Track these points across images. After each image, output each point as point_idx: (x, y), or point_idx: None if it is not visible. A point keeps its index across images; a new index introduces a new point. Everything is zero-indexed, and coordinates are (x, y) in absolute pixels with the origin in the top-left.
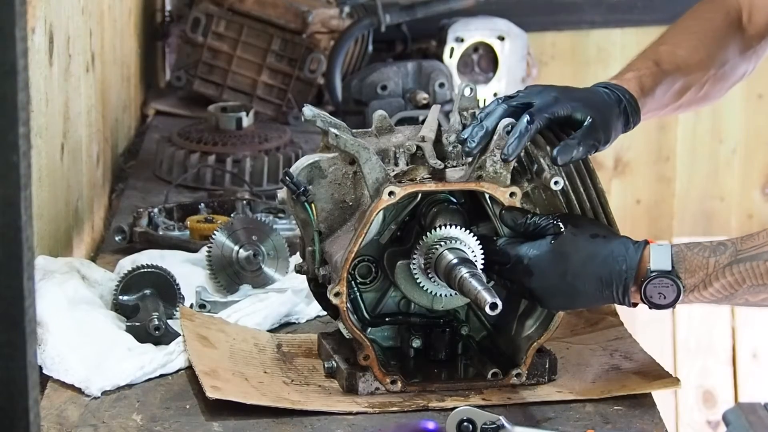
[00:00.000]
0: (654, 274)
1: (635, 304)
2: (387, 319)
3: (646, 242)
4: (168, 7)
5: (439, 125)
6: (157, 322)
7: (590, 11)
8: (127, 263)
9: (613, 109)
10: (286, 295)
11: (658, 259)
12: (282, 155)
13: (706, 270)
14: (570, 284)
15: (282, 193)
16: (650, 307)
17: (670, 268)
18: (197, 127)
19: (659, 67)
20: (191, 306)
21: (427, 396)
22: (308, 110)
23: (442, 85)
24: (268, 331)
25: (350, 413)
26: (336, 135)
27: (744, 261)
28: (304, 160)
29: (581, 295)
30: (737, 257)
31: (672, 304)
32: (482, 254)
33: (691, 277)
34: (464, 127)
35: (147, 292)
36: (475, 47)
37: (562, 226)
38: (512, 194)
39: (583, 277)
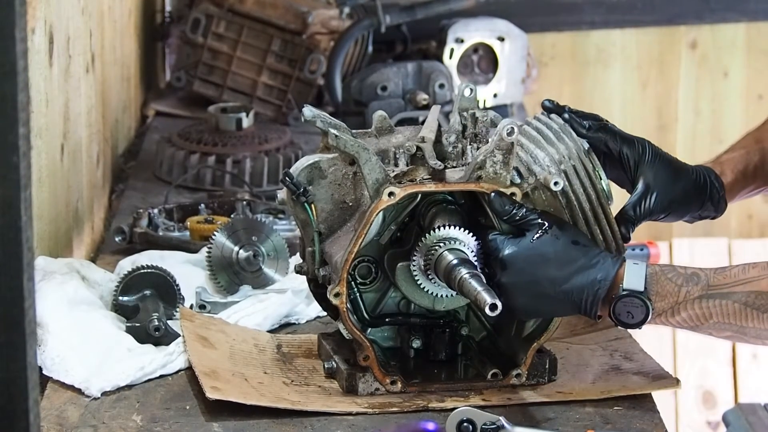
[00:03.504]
0: (625, 292)
1: (599, 317)
2: (387, 320)
3: (624, 259)
4: (168, 8)
5: (439, 126)
6: (157, 323)
7: (590, 12)
8: (127, 264)
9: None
10: (286, 296)
11: (631, 278)
12: (282, 156)
13: (676, 298)
14: (540, 286)
15: (282, 194)
16: (616, 324)
17: (642, 289)
18: (197, 127)
19: (760, 144)
20: (191, 306)
21: (427, 396)
22: (308, 111)
23: (442, 85)
24: (268, 331)
25: (350, 414)
26: (336, 135)
27: (714, 297)
28: (304, 161)
29: (548, 300)
30: (708, 292)
31: (639, 325)
32: (469, 231)
33: (661, 301)
34: (464, 127)
35: (147, 292)
36: (475, 48)
37: (546, 224)
38: (512, 194)
39: (556, 282)
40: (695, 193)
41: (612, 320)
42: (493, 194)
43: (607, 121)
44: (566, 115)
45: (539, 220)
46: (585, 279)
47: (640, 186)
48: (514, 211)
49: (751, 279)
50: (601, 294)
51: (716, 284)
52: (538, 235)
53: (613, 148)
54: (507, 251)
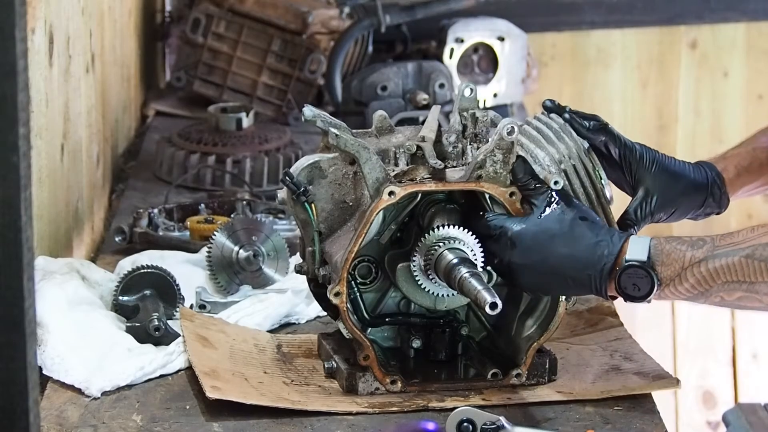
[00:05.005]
0: (628, 263)
1: (613, 298)
2: (387, 320)
3: (629, 234)
4: (168, 8)
5: (439, 126)
6: (157, 323)
7: (590, 12)
8: (127, 264)
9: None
10: (286, 296)
11: (635, 249)
12: (282, 156)
13: (681, 263)
14: (549, 263)
15: (282, 194)
16: (625, 300)
17: (645, 259)
18: (197, 127)
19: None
20: (191, 306)
21: (427, 396)
22: (308, 111)
23: (442, 85)
24: (268, 331)
25: (350, 413)
26: (336, 135)
27: (719, 257)
28: (304, 161)
29: (558, 278)
30: (714, 252)
31: (646, 297)
32: (468, 230)
33: (667, 269)
34: (464, 127)
35: (147, 292)
36: (475, 48)
37: (555, 198)
38: (512, 194)
39: (564, 258)
40: (696, 193)
41: (620, 295)
42: (517, 159)
43: (607, 123)
44: (567, 116)
45: (549, 192)
46: (591, 255)
47: (640, 191)
48: (531, 179)
49: (758, 236)
50: (607, 269)
51: (722, 245)
52: (545, 211)
53: (612, 151)
54: (516, 228)
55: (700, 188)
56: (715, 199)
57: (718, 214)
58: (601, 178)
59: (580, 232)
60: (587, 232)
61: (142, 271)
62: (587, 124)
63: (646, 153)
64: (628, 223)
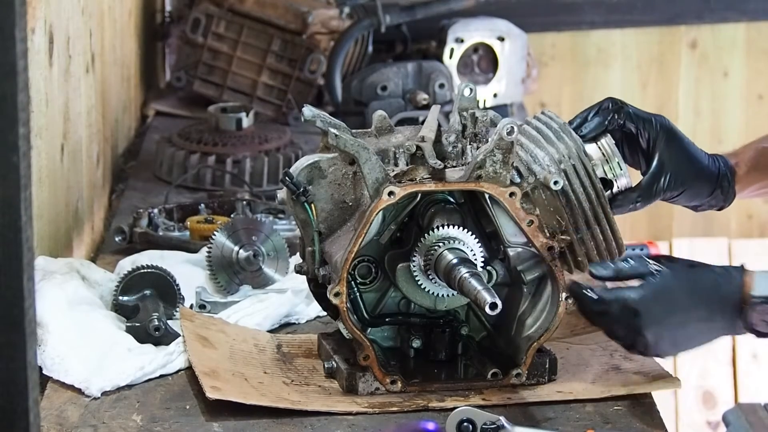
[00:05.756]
0: (758, 300)
1: (758, 333)
2: (387, 320)
3: (743, 266)
4: (168, 8)
5: (439, 126)
6: (157, 323)
7: (590, 12)
8: (127, 264)
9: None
10: (286, 296)
11: (762, 284)
12: (282, 156)
13: None
14: (679, 319)
15: (282, 194)
16: (757, 336)
17: None
18: (197, 127)
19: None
20: (191, 306)
21: (427, 396)
22: (308, 111)
23: (442, 85)
24: (268, 331)
25: (350, 413)
26: (336, 135)
27: None
28: (304, 161)
29: (692, 329)
30: None
31: None
32: (575, 299)
33: None
34: (464, 127)
35: (147, 292)
36: (475, 48)
37: (656, 264)
38: (512, 194)
39: (692, 308)
40: (706, 180)
41: (750, 332)
42: (585, 291)
43: (623, 102)
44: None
45: (648, 263)
46: (718, 295)
47: (654, 164)
48: (622, 271)
49: None
50: (733, 303)
51: None
52: (654, 276)
53: (629, 127)
54: (634, 296)
55: (711, 177)
56: (723, 191)
57: (720, 209)
58: (619, 168)
59: (698, 278)
60: (703, 275)
61: (142, 271)
62: (605, 104)
63: (665, 125)
64: (638, 197)
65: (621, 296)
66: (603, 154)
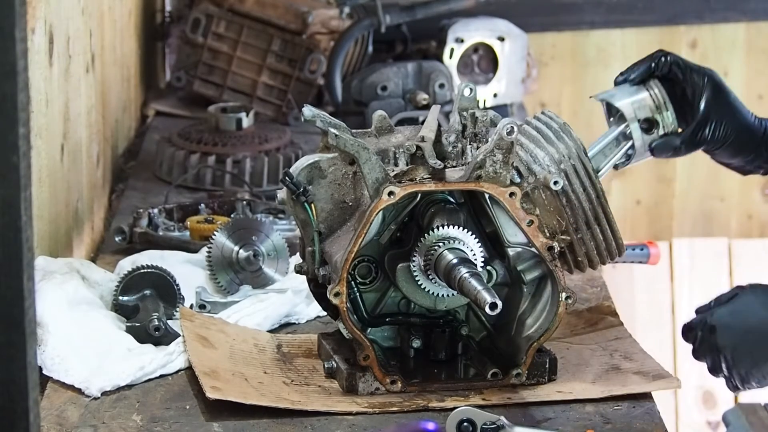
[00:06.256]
0: None
1: None
2: (387, 320)
3: None
4: (168, 8)
5: (439, 126)
6: (157, 323)
7: (590, 12)
8: (127, 264)
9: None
10: (286, 296)
11: None
12: (282, 156)
13: None
14: (756, 336)
15: (282, 194)
16: None
17: None
18: (197, 127)
19: None
20: (191, 306)
21: (427, 396)
22: (308, 110)
23: (442, 85)
24: (268, 331)
25: (350, 413)
26: (336, 135)
27: None
28: (304, 161)
29: (764, 340)
30: None
31: None
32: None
33: None
34: (464, 127)
35: (147, 292)
36: (475, 48)
37: (741, 285)
38: (512, 194)
39: (764, 317)
40: (750, 137)
41: None
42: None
43: (671, 53)
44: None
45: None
46: None
47: (700, 112)
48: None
49: None
50: None
51: None
52: (733, 298)
53: (675, 73)
54: (714, 313)
55: (756, 134)
56: (766, 153)
57: (764, 173)
58: (668, 113)
59: None
60: None
61: (142, 271)
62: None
63: (713, 77)
64: (682, 143)
65: (702, 317)
66: (653, 100)
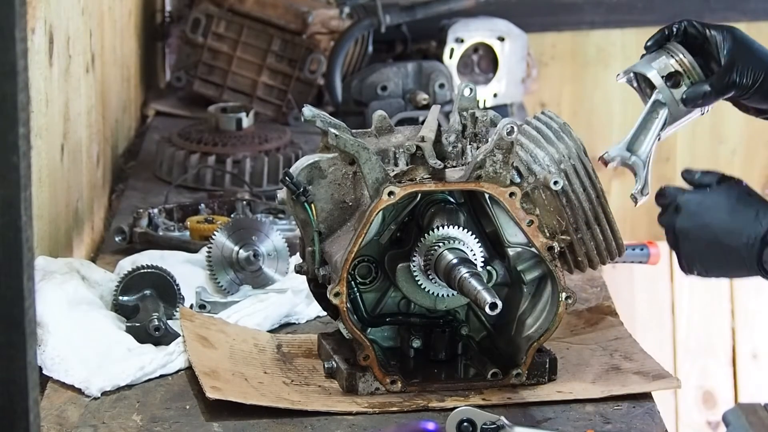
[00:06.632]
0: None
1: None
2: (387, 320)
3: None
4: (168, 8)
5: (439, 126)
6: (157, 323)
7: (590, 12)
8: (127, 264)
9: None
10: (286, 296)
11: None
12: (282, 156)
13: None
14: (711, 229)
15: (282, 194)
16: (764, 277)
17: None
18: (197, 127)
19: None
20: (191, 306)
21: (427, 396)
22: (308, 110)
23: (442, 85)
24: (268, 331)
25: (350, 413)
26: (336, 135)
27: None
28: (304, 161)
29: (716, 246)
30: None
31: None
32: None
33: None
34: (464, 127)
35: (147, 292)
36: (475, 48)
37: (720, 176)
38: (512, 194)
39: (725, 223)
40: None
41: (759, 271)
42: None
43: (685, 19)
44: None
45: (720, 174)
46: (750, 222)
47: (726, 59)
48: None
49: None
50: (761, 236)
51: None
52: (713, 187)
53: (692, 33)
54: (684, 196)
55: None
56: None
57: None
58: (693, 70)
59: (744, 202)
60: (751, 202)
61: (142, 271)
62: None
63: (732, 31)
64: (710, 89)
65: (676, 192)
66: (673, 56)
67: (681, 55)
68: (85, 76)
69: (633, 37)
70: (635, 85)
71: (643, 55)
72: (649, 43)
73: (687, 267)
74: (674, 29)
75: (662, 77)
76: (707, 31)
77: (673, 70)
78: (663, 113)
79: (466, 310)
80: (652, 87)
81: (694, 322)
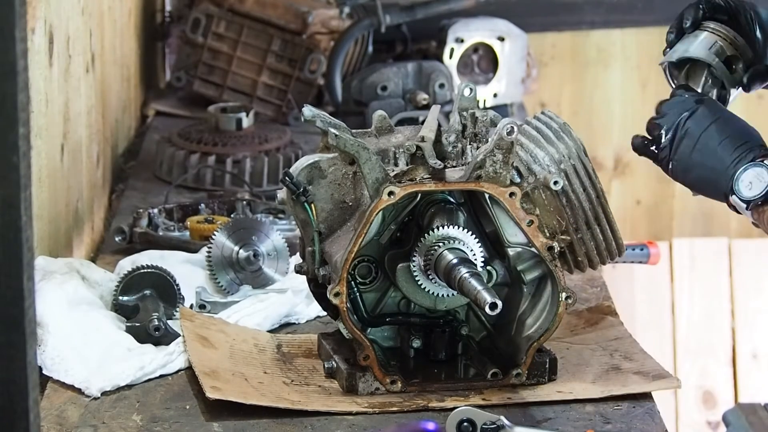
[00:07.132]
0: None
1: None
2: (387, 320)
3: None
4: (168, 8)
5: (439, 126)
6: (157, 323)
7: (590, 12)
8: (127, 264)
9: None
10: (286, 296)
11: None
12: (282, 156)
13: None
14: (701, 141)
15: (282, 194)
16: (730, 207)
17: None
18: (197, 127)
19: None
20: (191, 306)
21: (427, 396)
22: (308, 110)
23: (442, 85)
24: (268, 331)
25: (350, 413)
26: (336, 135)
27: None
28: (304, 161)
29: (703, 156)
30: None
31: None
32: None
33: None
34: (464, 127)
35: (147, 292)
36: (475, 48)
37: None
38: (512, 194)
39: (715, 137)
40: None
41: (728, 197)
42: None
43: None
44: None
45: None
46: (741, 140)
47: (760, 36)
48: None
49: None
50: (757, 152)
51: None
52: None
53: (722, 7)
54: (707, 100)
55: None
56: None
57: None
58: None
59: (732, 119)
60: (737, 123)
61: (142, 271)
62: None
63: (753, 6)
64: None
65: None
66: (718, 35)
67: (723, 30)
68: (85, 76)
69: (633, 37)
70: (666, 73)
71: (671, 38)
72: (687, 24)
73: (674, 168)
74: (703, 7)
75: (716, 58)
76: (730, 4)
77: (724, 50)
78: (714, 94)
79: (466, 310)
80: (702, 66)
81: (694, 322)
